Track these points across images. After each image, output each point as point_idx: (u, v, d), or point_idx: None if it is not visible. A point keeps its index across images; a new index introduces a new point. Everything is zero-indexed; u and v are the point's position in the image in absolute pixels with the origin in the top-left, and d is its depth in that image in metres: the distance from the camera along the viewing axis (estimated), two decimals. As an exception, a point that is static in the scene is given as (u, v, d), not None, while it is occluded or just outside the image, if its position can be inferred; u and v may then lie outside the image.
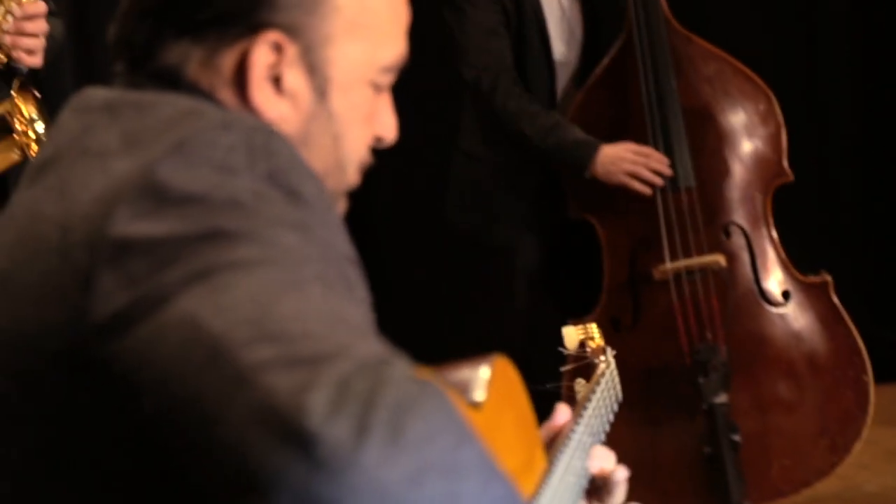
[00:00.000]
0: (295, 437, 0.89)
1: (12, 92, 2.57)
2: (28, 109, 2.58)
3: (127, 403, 0.98)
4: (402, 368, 0.93)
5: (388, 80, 1.22)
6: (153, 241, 1.00)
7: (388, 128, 1.24)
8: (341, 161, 1.20)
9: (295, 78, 1.15)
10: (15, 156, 2.58)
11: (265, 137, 1.07)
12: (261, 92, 1.14)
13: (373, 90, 1.21)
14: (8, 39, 2.55)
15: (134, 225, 1.01)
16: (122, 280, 0.99)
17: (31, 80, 2.62)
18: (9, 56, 2.57)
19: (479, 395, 1.18)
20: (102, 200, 1.04)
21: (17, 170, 2.61)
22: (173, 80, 1.14)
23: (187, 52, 1.15)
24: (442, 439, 0.92)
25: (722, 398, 3.29)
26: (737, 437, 3.30)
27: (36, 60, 2.60)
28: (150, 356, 0.96)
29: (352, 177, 1.23)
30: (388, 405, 0.90)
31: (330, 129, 1.18)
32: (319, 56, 1.16)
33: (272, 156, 1.06)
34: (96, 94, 1.16)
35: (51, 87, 3.34)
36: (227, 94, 1.15)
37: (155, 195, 1.02)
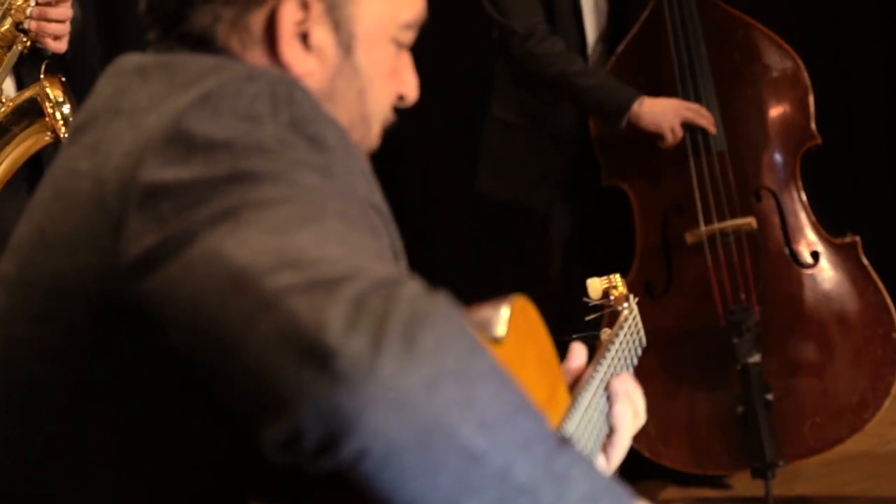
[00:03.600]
0: (314, 353, 0.92)
1: (41, 76, 2.61)
2: (55, 93, 2.62)
3: (156, 340, 1.01)
4: (414, 287, 0.97)
5: (408, 37, 1.25)
6: (181, 185, 1.03)
7: (409, 86, 1.28)
8: (366, 116, 1.24)
9: (321, 34, 1.19)
10: (47, 138, 2.63)
11: (288, 88, 1.10)
12: (290, 49, 1.18)
13: (395, 47, 1.24)
14: (34, 25, 2.60)
15: (162, 171, 1.04)
16: (151, 222, 1.03)
17: (57, 64, 2.66)
18: (34, 41, 2.62)
19: (500, 330, 1.20)
20: (133, 152, 1.08)
21: (52, 150, 2.66)
22: (203, 42, 1.18)
23: (217, 14, 1.18)
24: (455, 348, 0.95)
25: (755, 358, 3.31)
26: (770, 397, 3.33)
27: (61, 45, 2.65)
28: (178, 290, 0.99)
29: (375, 134, 1.26)
30: (401, 319, 0.94)
31: (355, 84, 1.22)
32: (344, 13, 1.19)
33: (294, 105, 1.09)
34: (129, 60, 1.20)
35: (78, 71, 3.39)
36: (257, 53, 1.18)
37: (182, 143, 1.05)
